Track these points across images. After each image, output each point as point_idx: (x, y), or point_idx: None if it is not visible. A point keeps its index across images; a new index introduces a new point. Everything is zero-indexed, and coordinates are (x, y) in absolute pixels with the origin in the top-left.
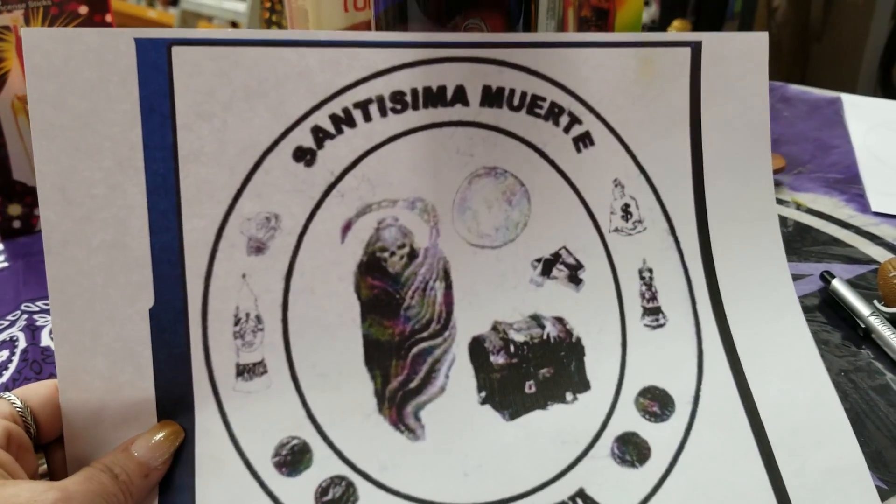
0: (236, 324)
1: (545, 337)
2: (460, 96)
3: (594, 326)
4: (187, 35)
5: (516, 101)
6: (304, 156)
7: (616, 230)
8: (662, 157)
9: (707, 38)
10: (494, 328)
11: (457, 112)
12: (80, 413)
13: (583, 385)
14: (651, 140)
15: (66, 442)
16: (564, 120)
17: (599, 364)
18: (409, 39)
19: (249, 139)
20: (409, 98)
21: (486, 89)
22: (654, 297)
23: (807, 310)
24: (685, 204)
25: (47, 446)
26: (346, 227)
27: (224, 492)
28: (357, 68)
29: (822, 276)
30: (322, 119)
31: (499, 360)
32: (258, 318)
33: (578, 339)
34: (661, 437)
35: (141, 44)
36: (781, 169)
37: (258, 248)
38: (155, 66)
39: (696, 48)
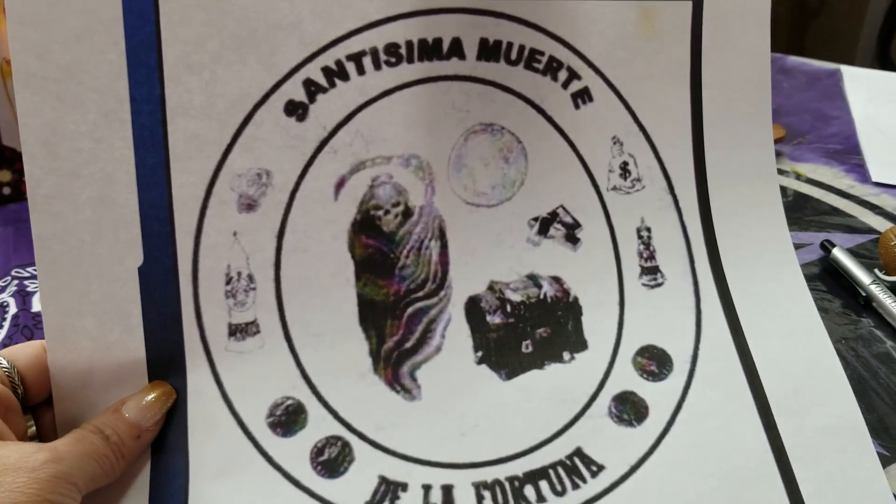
0: (228, 283)
1: (542, 296)
2: (456, 49)
3: (592, 286)
4: None
5: (514, 55)
6: (296, 110)
7: (614, 188)
8: (662, 114)
9: None
10: (491, 288)
11: (453, 66)
12: (68, 374)
13: (580, 344)
14: (651, 96)
15: (55, 403)
16: (563, 75)
17: (597, 323)
18: None
19: (239, 92)
20: (403, 51)
21: (483, 42)
22: (652, 257)
23: (807, 279)
24: (684, 161)
25: (35, 408)
26: (340, 185)
27: (218, 453)
28: (350, 18)
29: (822, 245)
30: (314, 72)
31: (495, 319)
32: (250, 277)
33: (576, 299)
34: (659, 395)
35: None
36: (781, 139)
37: (249, 206)
38: (141, 15)
39: (697, 2)
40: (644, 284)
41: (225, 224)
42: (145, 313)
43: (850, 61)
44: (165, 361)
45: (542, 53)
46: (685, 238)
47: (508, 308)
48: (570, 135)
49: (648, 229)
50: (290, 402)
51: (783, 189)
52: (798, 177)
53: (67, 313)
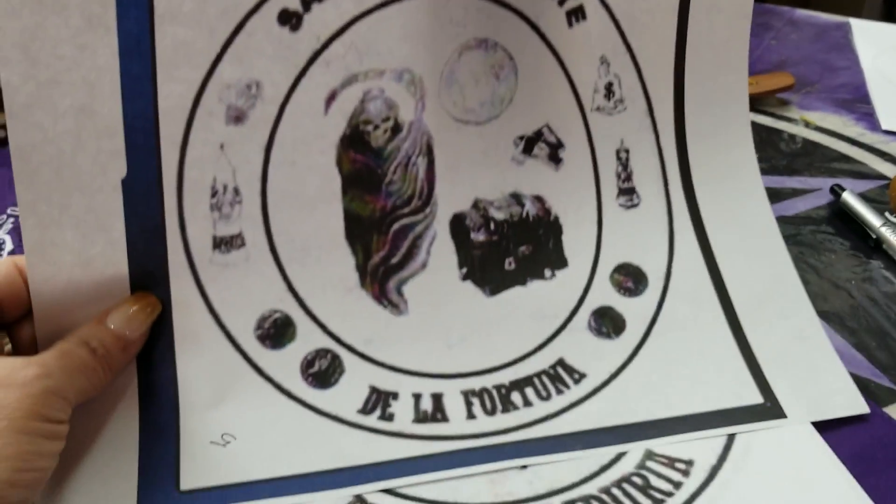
0: (213, 195)
1: (524, 215)
2: None
3: (572, 205)
4: None
5: None
6: (290, 19)
7: (598, 109)
8: (649, 34)
9: None
10: (475, 205)
11: None
12: (49, 288)
13: (561, 262)
14: (640, 16)
15: (35, 318)
16: None
17: (576, 242)
18: None
19: None
20: None
21: None
22: (629, 178)
23: (816, 222)
24: (665, 83)
25: (10, 325)
26: (331, 98)
27: (207, 365)
28: None
29: (832, 190)
30: None
31: (479, 237)
32: (236, 190)
33: (556, 218)
34: (635, 310)
35: None
36: (790, 87)
37: (237, 118)
38: None
39: None
40: (621, 205)
41: (212, 136)
42: (128, 226)
43: (857, 16)
44: (148, 275)
45: None
46: (660, 160)
47: (492, 226)
48: (560, 53)
49: (627, 151)
50: (277, 315)
51: (792, 136)
52: (807, 125)
53: (47, 226)
